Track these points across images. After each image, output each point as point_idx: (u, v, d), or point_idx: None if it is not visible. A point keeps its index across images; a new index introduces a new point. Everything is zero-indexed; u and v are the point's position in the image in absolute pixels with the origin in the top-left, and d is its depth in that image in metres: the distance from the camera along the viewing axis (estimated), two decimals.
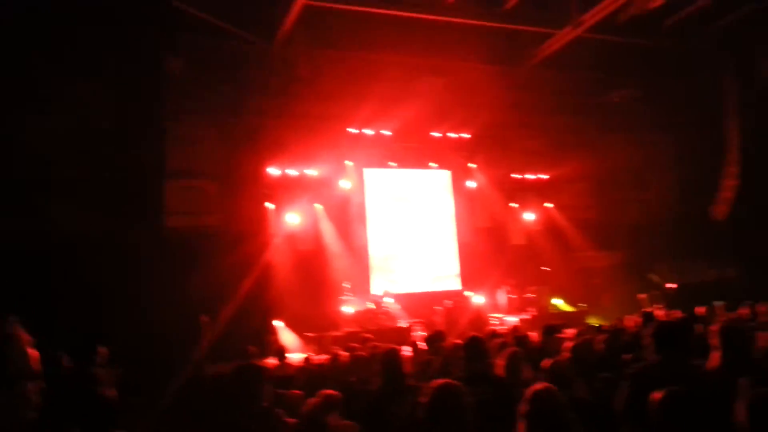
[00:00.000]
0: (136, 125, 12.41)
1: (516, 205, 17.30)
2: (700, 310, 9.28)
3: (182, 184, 13.34)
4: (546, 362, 4.09)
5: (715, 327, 3.93)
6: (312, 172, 14.58)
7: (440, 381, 2.98)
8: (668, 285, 15.51)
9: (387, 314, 13.37)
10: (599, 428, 3.18)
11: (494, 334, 7.65)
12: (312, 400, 4.76)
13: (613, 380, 4.11)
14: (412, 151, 16.12)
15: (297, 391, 5.10)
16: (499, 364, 4.59)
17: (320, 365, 6.65)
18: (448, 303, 13.86)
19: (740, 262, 16.04)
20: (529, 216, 17.28)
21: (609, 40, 14.71)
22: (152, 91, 12.70)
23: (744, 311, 8.23)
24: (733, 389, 3.14)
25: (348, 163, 15.16)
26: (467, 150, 16.73)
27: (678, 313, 8.76)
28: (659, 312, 10.86)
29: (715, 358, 3.70)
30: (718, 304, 10.29)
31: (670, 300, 14.24)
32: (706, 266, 16.39)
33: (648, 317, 6.02)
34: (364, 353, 6.42)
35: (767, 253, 15.03)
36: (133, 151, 12.17)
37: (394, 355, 3.96)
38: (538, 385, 2.75)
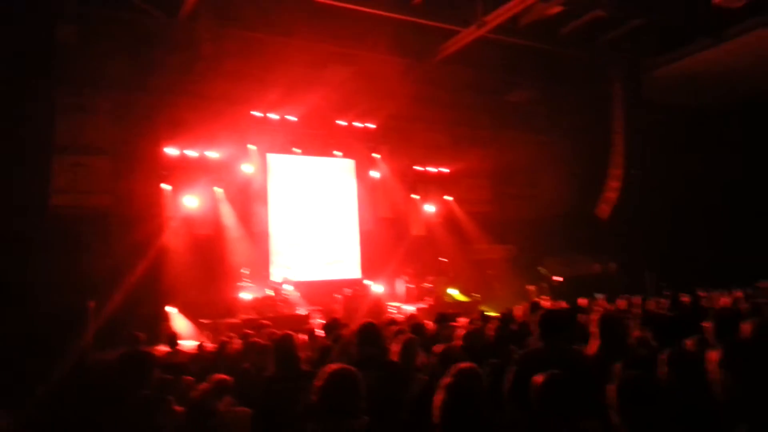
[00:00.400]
0: (21, 95, 11.47)
1: (417, 197, 17.64)
2: (583, 301, 9.91)
3: (71, 161, 12.54)
4: (438, 347, 4.21)
5: (594, 316, 4.21)
6: (212, 154, 14.11)
7: (335, 365, 3.00)
8: (555, 278, 16.44)
9: (286, 301, 13.24)
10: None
11: (392, 322, 7.79)
12: (202, 386, 4.65)
13: (501, 365, 4.31)
14: (317, 139, 16.00)
15: (188, 378, 4.96)
16: (395, 350, 4.69)
17: (213, 352, 6.48)
18: (348, 291, 13.93)
19: (620, 258, 17.30)
20: (429, 208, 17.69)
21: (511, 42, 15.30)
22: (41, 60, 11.76)
23: (621, 303, 8.88)
24: (609, 373, 3.39)
25: (251, 147, 14.81)
26: (372, 140, 16.84)
27: (563, 304, 9.30)
28: (546, 303, 11.48)
29: (593, 345, 3.96)
30: (599, 296, 11.06)
31: (557, 291, 15.13)
32: (590, 261, 17.54)
33: (535, 306, 6.34)
34: (259, 340, 6.34)
35: (643, 251, 16.31)
36: (18, 123, 11.26)
37: (289, 340, 3.92)
38: (463, 364, 2.84)
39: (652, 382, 2.32)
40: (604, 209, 17.89)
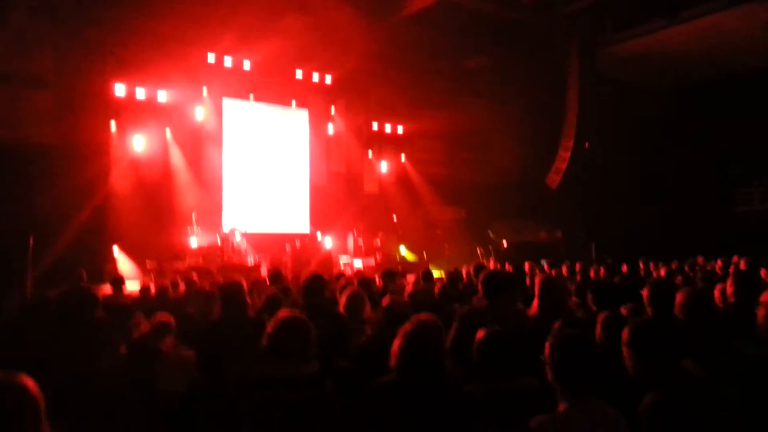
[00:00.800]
0: None
1: (371, 154, 17.58)
2: (528, 265, 10.18)
3: (9, 92, 11.89)
4: (385, 300, 4.28)
5: (537, 279, 4.35)
6: (164, 95, 13.61)
7: (287, 312, 3.01)
8: (503, 242, 16.81)
9: (234, 250, 13.11)
10: None
11: (340, 276, 7.86)
12: (144, 326, 4.62)
13: (445, 322, 4.42)
14: (273, 87, 15.64)
15: (137, 318, 4.91)
16: (342, 302, 4.75)
17: (157, 295, 6.40)
18: (298, 244, 13.89)
19: (566, 227, 17.80)
20: (383, 166, 17.68)
21: (473, 8, 15.24)
22: None
23: (564, 269, 9.18)
24: (548, 332, 3.52)
25: (204, 90, 14.38)
26: (329, 93, 16.61)
27: (508, 267, 9.53)
28: (492, 266, 11.73)
29: (534, 306, 4.11)
30: (543, 261, 11.38)
31: (503, 255, 15.48)
32: (537, 228, 18.00)
33: (479, 267, 6.50)
34: (205, 286, 6.30)
35: (588, 221, 16.83)
36: None
37: (237, 286, 3.91)
38: (423, 315, 2.88)
39: (587, 342, 2.41)
40: (553, 179, 18.31)
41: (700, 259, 10.68)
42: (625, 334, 2.63)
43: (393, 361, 2.70)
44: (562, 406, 2.27)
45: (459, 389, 2.79)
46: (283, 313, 2.99)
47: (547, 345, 2.42)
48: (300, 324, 2.91)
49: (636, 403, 2.29)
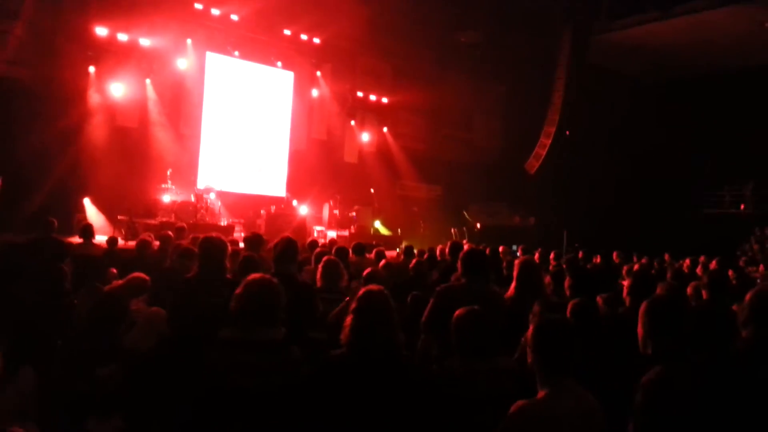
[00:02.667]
0: None
1: (354, 123, 17.41)
2: (500, 248, 10.23)
3: None
4: (366, 271, 4.24)
5: (516, 261, 4.36)
6: (146, 41, 13.19)
7: (257, 275, 2.95)
8: (477, 224, 16.90)
9: (208, 210, 12.90)
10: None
11: (314, 243, 7.80)
12: (116, 282, 4.51)
13: (421, 297, 4.42)
14: (258, 44, 15.27)
15: (112, 270, 4.80)
16: (318, 270, 4.70)
17: (129, 250, 6.27)
18: (273, 209, 13.73)
19: (540, 213, 17.96)
20: (364, 136, 17.53)
21: None
22: None
23: (536, 254, 9.24)
24: (524, 314, 3.54)
25: (189, 42, 14.00)
26: (315, 56, 16.29)
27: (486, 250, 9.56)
28: (466, 246, 11.76)
29: (511, 288, 4.12)
30: (515, 246, 11.45)
31: (476, 237, 15.57)
32: (511, 212, 18.12)
33: (456, 246, 6.50)
34: (183, 242, 6.17)
35: (562, 209, 16.97)
36: None
37: (220, 245, 3.80)
38: (372, 286, 2.84)
39: (571, 328, 2.40)
40: (532, 164, 18.38)
41: (666, 257, 10.89)
42: (645, 306, 2.61)
43: (343, 335, 2.68)
44: (542, 392, 2.26)
45: (411, 364, 2.80)
46: (254, 275, 2.92)
47: (530, 328, 2.40)
48: (269, 288, 2.85)
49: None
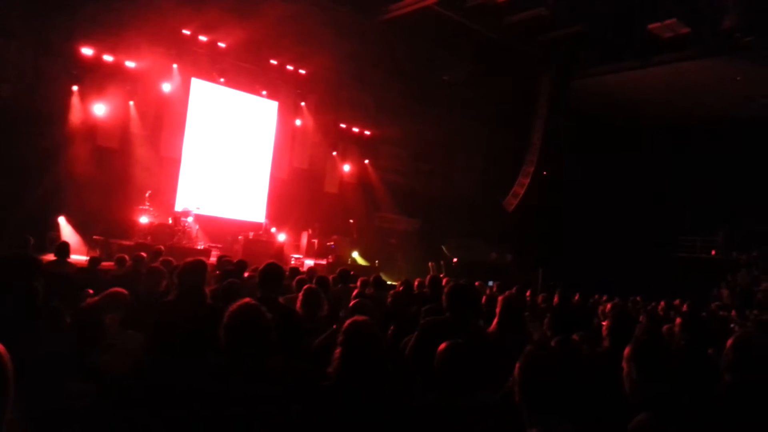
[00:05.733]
0: None
1: (335, 154, 17.48)
2: (476, 284, 10.27)
3: None
4: (352, 302, 4.22)
5: (500, 297, 4.38)
6: (132, 63, 13.18)
7: (246, 300, 2.90)
8: (454, 258, 16.95)
9: (185, 233, 12.76)
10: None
11: (296, 270, 7.75)
12: (93, 299, 4.40)
13: (403, 330, 4.40)
14: (245, 74, 15.37)
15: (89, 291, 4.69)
16: (299, 298, 4.65)
17: (105, 270, 6.16)
18: (251, 235, 13.62)
19: (516, 250, 18.09)
20: (346, 167, 17.59)
21: (455, 20, 15.38)
22: None
23: (512, 292, 9.29)
24: (507, 350, 3.54)
25: (175, 67, 14.02)
26: (300, 87, 16.42)
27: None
28: (445, 281, 11.77)
29: (494, 323, 4.13)
30: (491, 282, 11.50)
31: (452, 272, 15.58)
32: (488, 248, 18.22)
33: (435, 279, 6.51)
34: (155, 264, 6.08)
35: (538, 248, 17.14)
36: None
37: (201, 267, 3.75)
38: (358, 317, 2.82)
39: (561, 366, 2.40)
40: (510, 202, 18.61)
41: (638, 298, 11.04)
42: (631, 350, 2.60)
43: (332, 367, 2.65)
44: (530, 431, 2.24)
45: (403, 393, 2.77)
46: (243, 301, 2.86)
47: (518, 366, 2.38)
48: (259, 315, 2.80)
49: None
